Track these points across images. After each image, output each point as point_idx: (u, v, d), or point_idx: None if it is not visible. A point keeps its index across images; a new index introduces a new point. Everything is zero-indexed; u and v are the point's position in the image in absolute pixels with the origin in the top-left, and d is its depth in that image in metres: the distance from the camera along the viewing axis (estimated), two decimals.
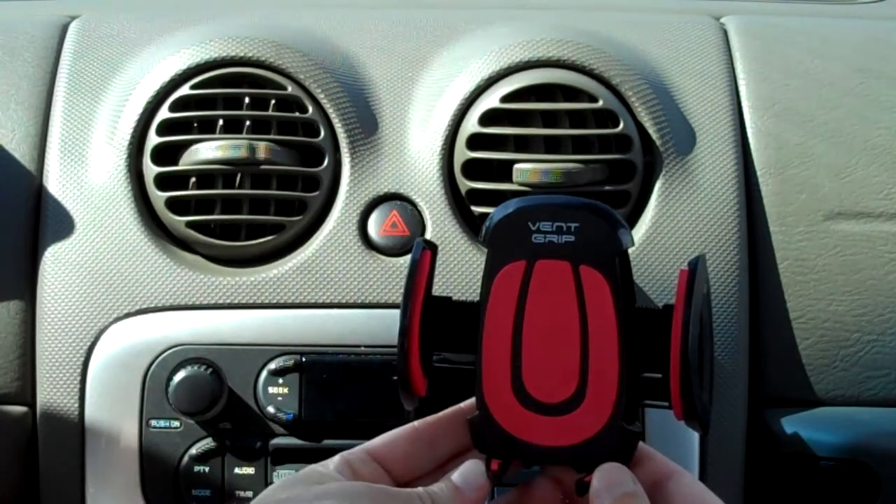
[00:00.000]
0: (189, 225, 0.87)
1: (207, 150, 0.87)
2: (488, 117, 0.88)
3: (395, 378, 0.58)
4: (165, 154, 0.88)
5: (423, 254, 0.58)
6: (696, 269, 0.55)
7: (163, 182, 0.87)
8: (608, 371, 0.55)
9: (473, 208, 0.88)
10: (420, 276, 0.58)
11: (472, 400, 0.58)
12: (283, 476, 0.83)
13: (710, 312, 0.58)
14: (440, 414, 0.59)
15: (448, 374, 0.59)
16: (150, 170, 0.87)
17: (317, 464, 0.56)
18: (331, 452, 0.57)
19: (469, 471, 0.56)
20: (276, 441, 0.84)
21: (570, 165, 0.86)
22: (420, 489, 0.54)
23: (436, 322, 0.58)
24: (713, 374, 0.59)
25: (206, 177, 0.87)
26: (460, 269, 0.86)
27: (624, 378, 0.55)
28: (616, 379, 0.54)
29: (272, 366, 0.84)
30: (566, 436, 0.55)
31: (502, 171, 0.87)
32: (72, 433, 0.85)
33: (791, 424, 0.86)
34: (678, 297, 0.54)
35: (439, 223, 0.87)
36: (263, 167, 0.87)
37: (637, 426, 0.56)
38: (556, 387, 0.55)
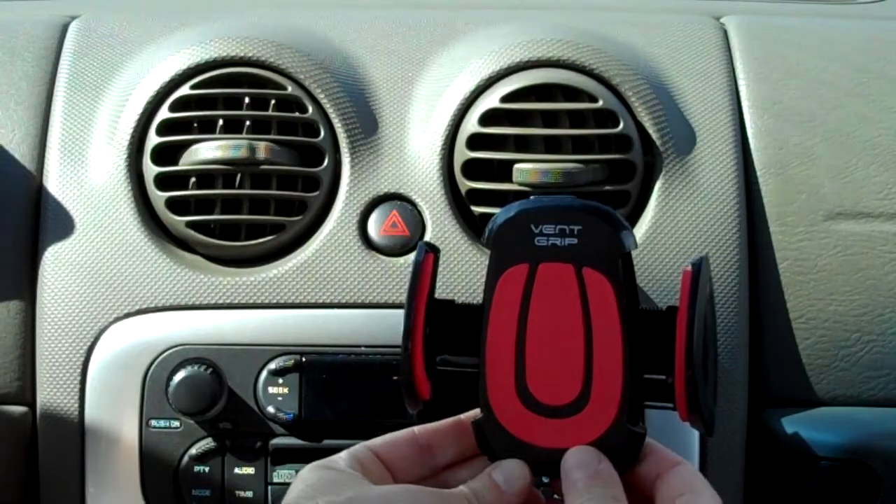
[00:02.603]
0: (189, 225, 0.87)
1: (207, 150, 0.87)
2: (488, 117, 0.87)
3: (398, 379, 0.58)
4: (165, 154, 0.88)
5: (427, 257, 0.58)
6: (699, 269, 0.55)
7: (163, 182, 0.87)
8: (612, 373, 0.55)
9: (473, 208, 0.88)
10: (423, 279, 0.58)
11: (473, 411, 0.57)
12: (283, 476, 0.83)
13: (713, 313, 0.58)
14: (440, 422, 0.59)
15: (452, 377, 0.59)
16: (150, 170, 0.87)
17: (326, 459, 0.55)
18: (331, 452, 0.57)
19: (510, 469, 0.55)
20: (276, 441, 0.84)
21: (570, 165, 0.86)
22: (462, 487, 0.54)
23: (439, 325, 0.58)
24: (717, 374, 0.59)
25: (206, 177, 0.87)
26: (460, 269, 0.86)
27: (628, 379, 0.55)
28: (620, 380, 0.54)
29: (272, 366, 0.84)
30: (571, 438, 0.55)
31: (502, 171, 0.87)
32: (72, 433, 0.85)
33: (791, 424, 0.86)
34: (682, 298, 0.54)
35: (439, 223, 0.87)
36: (263, 167, 0.87)
37: (642, 427, 0.56)
38: (561, 389, 0.55)
